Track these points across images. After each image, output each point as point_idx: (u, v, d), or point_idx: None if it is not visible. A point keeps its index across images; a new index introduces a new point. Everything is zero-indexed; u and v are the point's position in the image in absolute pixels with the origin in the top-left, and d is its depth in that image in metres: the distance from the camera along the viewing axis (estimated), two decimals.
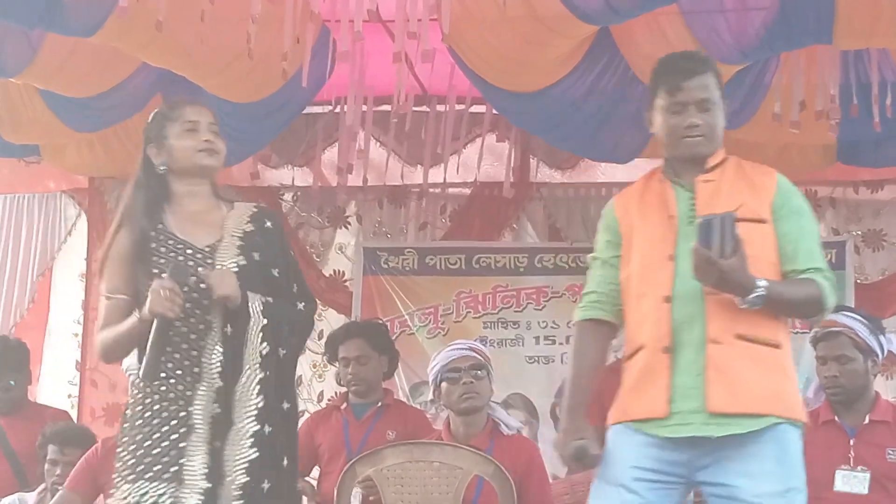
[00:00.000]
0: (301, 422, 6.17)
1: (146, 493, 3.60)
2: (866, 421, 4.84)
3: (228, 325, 3.70)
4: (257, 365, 3.69)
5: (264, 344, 3.71)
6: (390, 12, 5.22)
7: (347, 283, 7.79)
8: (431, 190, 7.72)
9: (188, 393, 3.67)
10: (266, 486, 3.64)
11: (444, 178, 7.16)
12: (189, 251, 3.78)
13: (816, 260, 3.54)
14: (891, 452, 4.79)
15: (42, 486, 5.87)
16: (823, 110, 5.80)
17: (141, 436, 3.67)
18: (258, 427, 3.65)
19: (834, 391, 4.88)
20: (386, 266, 7.62)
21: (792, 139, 6.28)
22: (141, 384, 3.73)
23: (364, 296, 7.59)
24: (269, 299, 3.76)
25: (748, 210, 3.52)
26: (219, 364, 3.67)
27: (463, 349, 5.26)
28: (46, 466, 5.81)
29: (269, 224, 3.91)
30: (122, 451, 3.70)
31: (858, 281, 7.36)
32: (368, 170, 7.29)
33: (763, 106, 5.97)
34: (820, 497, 4.77)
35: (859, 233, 7.52)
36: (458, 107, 6.90)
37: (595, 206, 7.62)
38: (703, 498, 3.62)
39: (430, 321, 7.53)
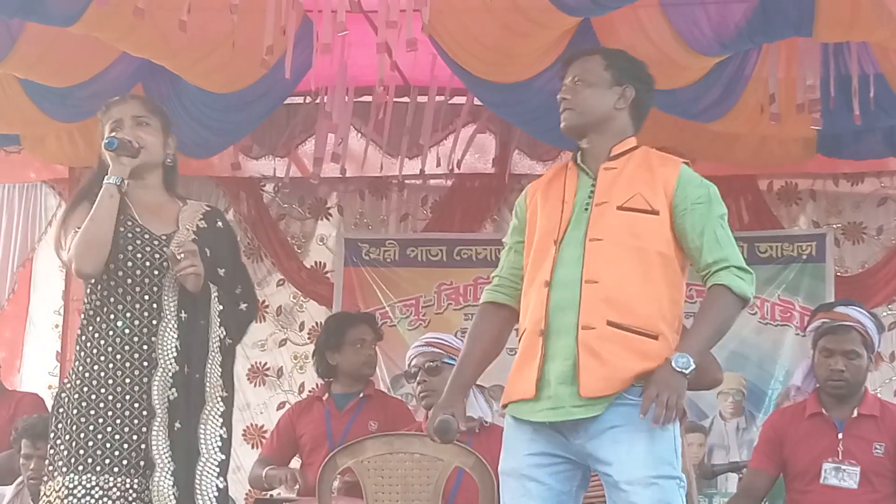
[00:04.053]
0: (283, 413, 6.25)
1: (95, 485, 3.68)
2: (854, 415, 4.84)
3: (183, 311, 3.79)
4: (217, 349, 3.83)
5: (222, 329, 3.84)
6: (372, 3, 5.21)
7: (329, 275, 7.79)
8: (412, 181, 7.72)
9: (127, 380, 3.75)
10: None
11: (424, 169, 7.16)
12: (147, 236, 3.86)
13: (721, 249, 3.53)
14: (877, 447, 4.79)
15: (19, 480, 5.88)
16: (804, 103, 5.82)
17: (84, 424, 3.73)
18: (225, 408, 3.81)
19: (837, 385, 4.84)
20: (367, 257, 7.62)
21: (772, 131, 6.29)
22: (79, 371, 3.79)
23: (345, 287, 7.59)
24: (219, 289, 3.87)
25: (641, 200, 3.55)
26: (174, 349, 3.75)
27: (420, 346, 5.29)
28: (21, 461, 5.81)
29: (220, 224, 4.01)
30: (64, 439, 3.75)
31: (838, 274, 7.39)
32: (349, 161, 7.29)
33: (743, 97, 5.98)
34: (808, 490, 4.80)
35: (839, 225, 7.54)
36: (439, 98, 6.90)
37: None
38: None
39: (411, 313, 7.53)
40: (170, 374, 3.75)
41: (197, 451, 3.72)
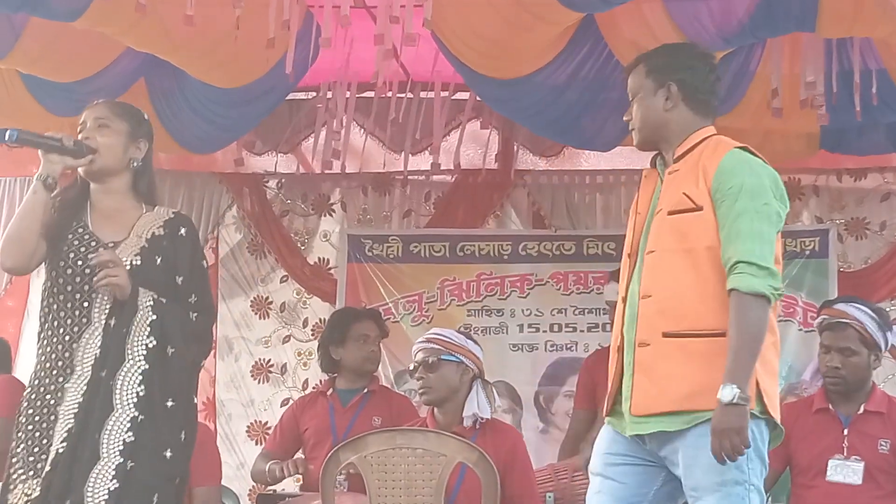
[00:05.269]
0: (286, 408, 6.25)
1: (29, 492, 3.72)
2: (861, 411, 4.84)
3: (113, 318, 3.77)
4: (141, 357, 3.77)
5: (151, 338, 3.78)
6: None
7: (332, 271, 7.79)
8: (415, 177, 7.71)
9: (60, 381, 3.76)
10: (137, 469, 3.72)
11: (435, 165, 7.15)
12: (94, 243, 3.86)
13: (733, 244, 3.47)
14: (882, 444, 4.79)
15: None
16: (808, 98, 5.81)
17: (24, 434, 3.77)
18: (136, 414, 3.73)
19: (834, 381, 4.86)
20: (370, 254, 7.62)
21: (775, 127, 6.28)
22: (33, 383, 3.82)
23: (349, 283, 7.59)
24: (163, 300, 3.83)
25: (686, 200, 3.54)
26: (92, 357, 3.75)
27: (421, 342, 5.29)
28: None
29: (183, 232, 3.96)
30: (19, 445, 3.80)
31: (841, 269, 7.38)
32: (352, 157, 7.29)
33: (748, 93, 5.98)
34: (812, 485, 4.80)
35: (842, 221, 7.54)
36: (443, 93, 6.89)
37: (579, 194, 7.64)
38: None
39: (414, 309, 7.53)
40: (85, 380, 3.74)
41: (97, 456, 3.68)
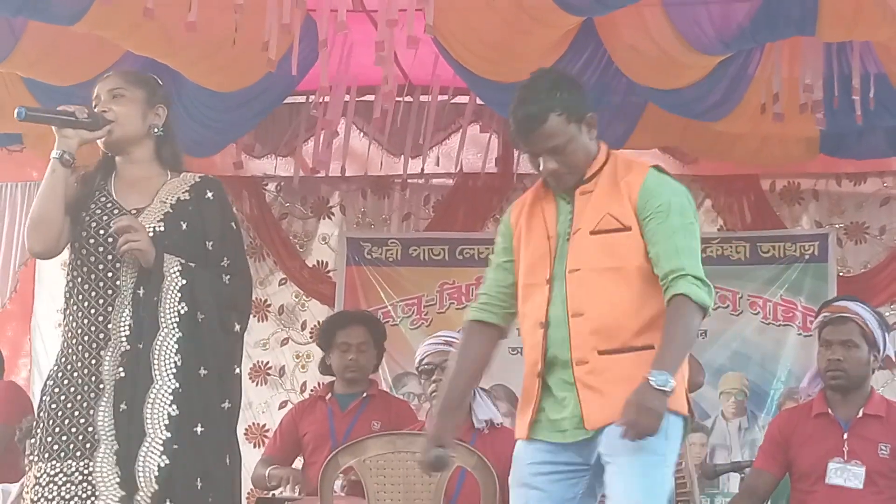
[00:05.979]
0: (285, 412, 6.25)
1: (59, 472, 3.61)
2: (860, 414, 4.82)
3: (141, 288, 3.67)
4: (174, 325, 3.67)
5: (182, 304, 3.68)
6: (375, 2, 5.22)
7: (331, 274, 7.80)
8: (415, 180, 7.72)
9: (93, 361, 3.66)
10: (181, 448, 3.62)
11: (427, 168, 7.16)
12: (116, 211, 3.75)
13: (677, 258, 3.47)
14: (883, 448, 4.77)
15: (25, 478, 5.90)
16: (807, 102, 5.81)
17: (46, 415, 3.68)
18: (176, 385, 3.64)
19: (835, 374, 4.82)
20: (369, 257, 7.63)
21: (775, 131, 6.29)
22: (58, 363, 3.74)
23: (347, 286, 7.59)
24: (191, 264, 3.73)
25: (611, 220, 3.51)
26: (126, 328, 3.65)
27: (437, 344, 5.26)
28: (26, 461, 5.83)
29: (210, 195, 3.83)
30: (38, 427, 3.70)
31: (841, 274, 7.39)
32: (351, 160, 7.29)
33: (746, 97, 5.98)
34: (813, 490, 4.78)
35: (842, 225, 7.55)
36: (442, 97, 6.90)
37: None
38: None
39: (413, 312, 7.53)
40: (119, 352, 3.64)
41: (142, 432, 3.58)
